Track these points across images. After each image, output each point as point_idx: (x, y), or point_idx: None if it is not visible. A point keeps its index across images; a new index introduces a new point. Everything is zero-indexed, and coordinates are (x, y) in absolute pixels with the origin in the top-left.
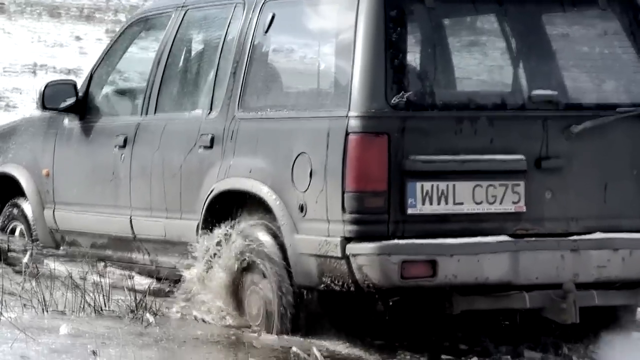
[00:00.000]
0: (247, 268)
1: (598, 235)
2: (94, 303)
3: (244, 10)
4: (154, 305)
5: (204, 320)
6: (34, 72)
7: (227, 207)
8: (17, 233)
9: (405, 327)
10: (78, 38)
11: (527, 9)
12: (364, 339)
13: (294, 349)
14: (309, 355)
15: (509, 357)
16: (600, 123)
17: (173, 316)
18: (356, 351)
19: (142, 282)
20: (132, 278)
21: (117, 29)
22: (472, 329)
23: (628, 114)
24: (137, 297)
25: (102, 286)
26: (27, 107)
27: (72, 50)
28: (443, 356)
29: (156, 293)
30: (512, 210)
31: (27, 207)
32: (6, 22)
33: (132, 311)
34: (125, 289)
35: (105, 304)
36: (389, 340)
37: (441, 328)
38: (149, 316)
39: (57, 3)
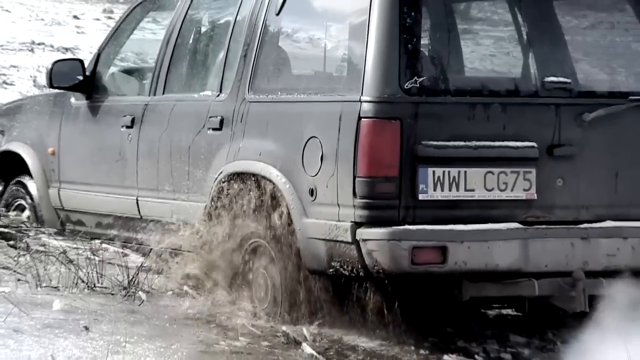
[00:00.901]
0: (254, 251)
1: (608, 223)
2: (87, 279)
3: None
4: (146, 283)
5: (193, 299)
6: (32, 50)
7: (235, 189)
8: (24, 214)
9: (394, 312)
10: (76, 17)
11: None
12: (361, 323)
13: (284, 328)
14: (298, 335)
15: (494, 340)
16: (613, 111)
17: (166, 294)
18: (351, 337)
19: (136, 260)
20: (127, 255)
21: (115, 9)
22: (458, 313)
23: None
24: (129, 274)
25: (95, 263)
26: (24, 84)
27: (70, 28)
28: (430, 338)
29: (150, 270)
30: (523, 198)
31: (32, 185)
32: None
33: (124, 288)
34: (117, 266)
35: (98, 280)
36: (379, 325)
37: (428, 312)
38: (141, 293)
39: None
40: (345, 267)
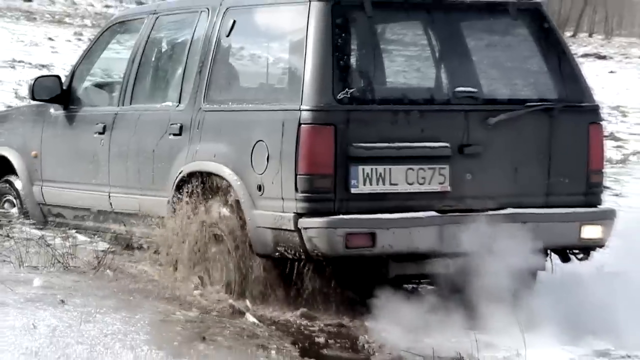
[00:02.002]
0: (210, 238)
1: (509, 210)
2: (63, 260)
3: (208, 16)
4: (113, 264)
5: (153, 277)
6: (13, 67)
7: (194, 186)
8: (12, 208)
9: (327, 289)
10: (50, 39)
11: (450, 18)
12: (299, 299)
13: (230, 301)
14: (243, 307)
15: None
16: (513, 115)
17: (130, 272)
18: (288, 310)
19: (105, 245)
20: (97, 242)
21: (84, 32)
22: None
23: (535, 108)
24: (99, 256)
25: (70, 246)
26: (7, 96)
27: (46, 48)
28: (356, 308)
29: (116, 254)
30: (439, 190)
31: (18, 183)
32: None
33: (94, 268)
34: (89, 249)
35: (72, 261)
36: (315, 300)
37: (355, 288)
38: (109, 272)
39: (33, 9)
40: (289, 251)
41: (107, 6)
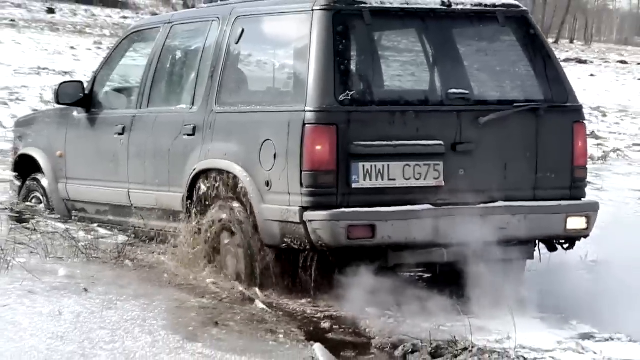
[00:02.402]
0: (222, 230)
1: (500, 203)
2: (86, 251)
3: (219, 25)
4: (132, 255)
5: (169, 267)
6: (38, 73)
7: (206, 182)
8: (39, 204)
9: (328, 278)
10: (72, 47)
11: (443, 25)
12: (303, 286)
13: (241, 289)
14: (253, 294)
15: (407, 296)
16: (502, 115)
17: (148, 263)
18: (294, 296)
19: (124, 238)
20: (116, 235)
21: (103, 41)
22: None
23: (523, 108)
24: (119, 248)
25: (92, 239)
26: (33, 100)
27: (68, 57)
28: (353, 295)
29: (135, 246)
30: (434, 185)
31: (45, 181)
32: (17, 34)
33: (115, 258)
34: (109, 242)
35: (94, 252)
36: (318, 287)
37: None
38: (128, 262)
39: (56, 21)
40: (295, 242)
41: (124, 17)
